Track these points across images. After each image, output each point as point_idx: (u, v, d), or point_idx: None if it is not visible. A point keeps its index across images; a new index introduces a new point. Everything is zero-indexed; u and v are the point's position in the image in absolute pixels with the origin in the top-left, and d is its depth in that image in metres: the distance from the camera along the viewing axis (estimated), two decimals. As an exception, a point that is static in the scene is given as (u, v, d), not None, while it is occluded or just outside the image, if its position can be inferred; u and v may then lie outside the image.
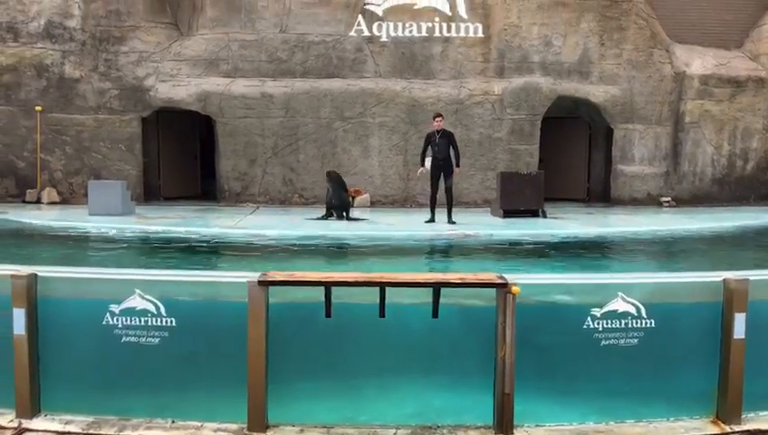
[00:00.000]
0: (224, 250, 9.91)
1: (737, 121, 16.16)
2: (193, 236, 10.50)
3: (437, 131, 11.63)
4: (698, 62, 16.10)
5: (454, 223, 11.66)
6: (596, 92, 15.71)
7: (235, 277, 4.51)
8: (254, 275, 4.30)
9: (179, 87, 14.99)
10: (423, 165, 11.85)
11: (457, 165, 11.81)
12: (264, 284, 4.20)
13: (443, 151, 11.60)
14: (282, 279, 4.31)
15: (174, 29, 15.74)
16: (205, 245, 10.04)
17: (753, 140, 16.26)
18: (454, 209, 12.03)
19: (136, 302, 4.36)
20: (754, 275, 4.82)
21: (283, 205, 14.94)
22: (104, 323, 4.39)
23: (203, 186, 17.02)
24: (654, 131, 15.99)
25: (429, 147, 11.67)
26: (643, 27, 15.79)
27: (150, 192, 15.76)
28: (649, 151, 16.04)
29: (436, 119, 11.76)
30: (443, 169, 11.66)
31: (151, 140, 15.84)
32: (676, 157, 16.13)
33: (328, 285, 4.25)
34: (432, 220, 11.80)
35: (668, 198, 15.89)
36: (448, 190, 11.81)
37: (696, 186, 16.24)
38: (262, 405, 4.23)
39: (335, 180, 12.54)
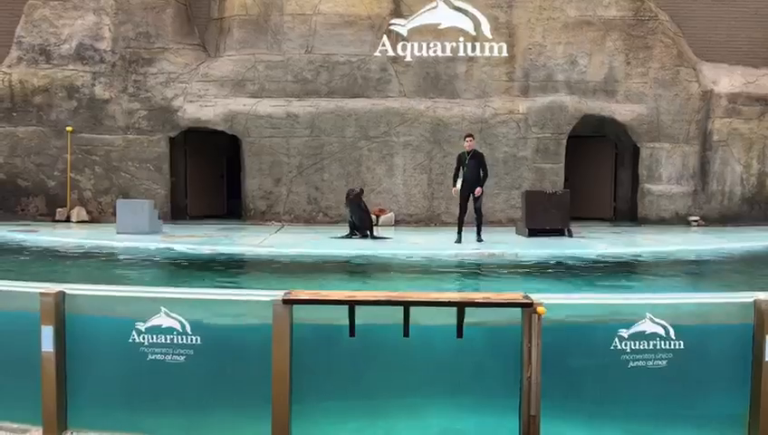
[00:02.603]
0: (249, 268, 9.96)
1: (766, 140, 15.91)
2: (219, 255, 10.59)
3: (468, 152, 11.70)
4: (726, 80, 15.92)
5: (482, 241, 11.68)
6: (622, 111, 15.60)
7: (260, 296, 4.53)
8: (279, 294, 4.31)
9: (207, 107, 15.19)
10: (455, 185, 11.84)
11: (481, 185, 11.80)
12: (289, 302, 4.21)
13: (472, 172, 11.64)
14: (306, 298, 4.32)
15: (201, 50, 16.01)
16: (231, 263, 10.11)
17: (783, 159, 15.98)
18: (483, 229, 12.05)
19: (162, 320, 4.40)
20: (786, 296, 4.72)
21: (307, 224, 15.01)
22: (130, 340, 4.42)
23: (229, 205, 17.17)
24: (681, 150, 15.81)
25: (461, 167, 11.73)
26: (669, 46, 15.68)
27: (177, 211, 15.93)
28: (677, 170, 15.84)
29: (467, 139, 11.83)
30: (472, 189, 11.68)
31: (179, 159, 16.05)
32: (704, 176, 15.92)
33: (352, 304, 4.24)
34: (459, 241, 11.72)
35: (697, 218, 15.66)
36: (478, 210, 11.85)
37: (725, 205, 15.98)
38: (285, 424, 4.22)
39: (353, 202, 12.58)
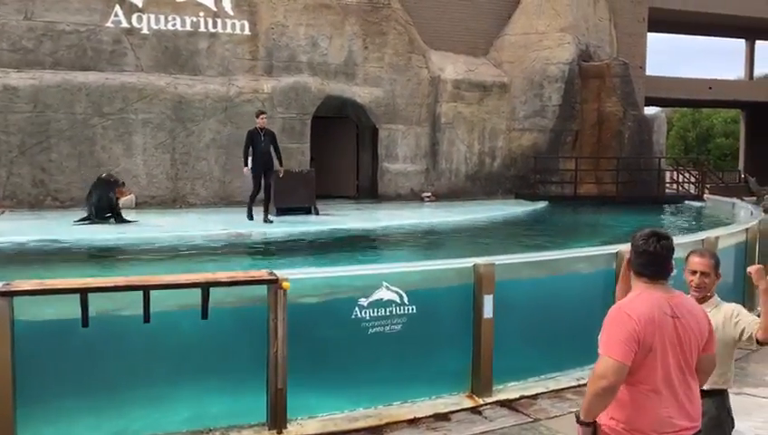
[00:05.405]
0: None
1: (485, 123, 17.83)
2: None
3: (261, 130, 11.56)
4: (451, 67, 17.49)
5: (271, 221, 11.66)
6: (361, 93, 16.36)
7: (-28, 290, 4.00)
8: (-4, 287, 3.86)
9: None
10: (246, 164, 11.64)
11: (281, 164, 11.86)
12: (8, 294, 3.78)
13: (267, 148, 11.55)
14: (29, 288, 3.90)
15: None
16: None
17: (498, 140, 18.04)
18: (230, 209, 12.12)
19: None
20: (499, 259, 5.37)
21: (33, 209, 13.50)
22: None
23: (-68, 190, 14.81)
24: (415, 131, 17.06)
25: (252, 145, 11.50)
26: (402, 33, 16.75)
27: None
28: (411, 150, 17.08)
29: (261, 116, 11.70)
30: (268, 166, 11.61)
31: None
32: (434, 155, 17.37)
33: (84, 292, 3.93)
34: (251, 218, 11.66)
35: (429, 194, 17.06)
36: (269, 187, 11.73)
37: (453, 181, 17.63)
38: (9, 430, 3.80)
39: (103, 182, 11.67)
